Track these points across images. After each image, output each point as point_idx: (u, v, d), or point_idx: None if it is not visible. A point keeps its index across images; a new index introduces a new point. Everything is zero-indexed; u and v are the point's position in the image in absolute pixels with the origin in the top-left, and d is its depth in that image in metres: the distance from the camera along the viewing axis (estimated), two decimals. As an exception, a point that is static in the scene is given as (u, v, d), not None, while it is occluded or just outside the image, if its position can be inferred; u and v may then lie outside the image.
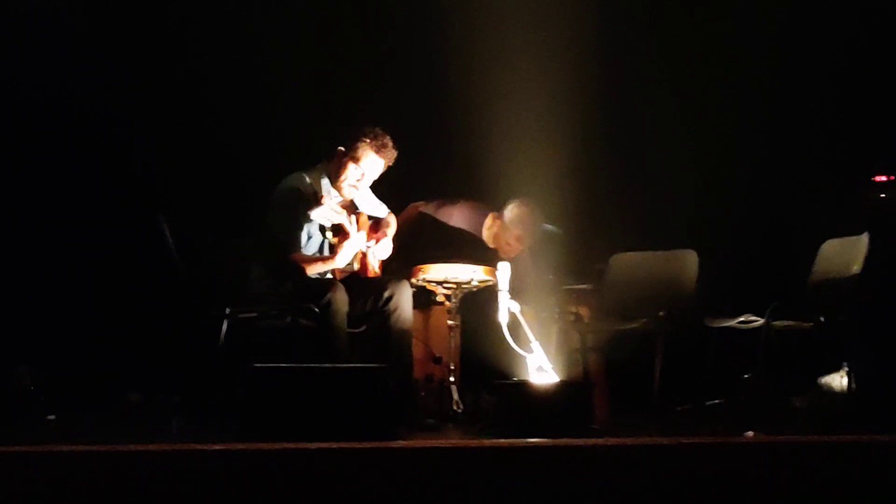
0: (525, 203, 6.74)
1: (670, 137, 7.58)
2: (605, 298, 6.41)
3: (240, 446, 4.42)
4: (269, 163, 6.86)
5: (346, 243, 6.13)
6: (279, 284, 6.13)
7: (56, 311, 7.41)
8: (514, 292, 5.89)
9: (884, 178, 6.84)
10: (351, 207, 6.34)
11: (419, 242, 6.63)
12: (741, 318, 6.28)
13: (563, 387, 5.53)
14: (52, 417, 6.42)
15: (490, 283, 6.10)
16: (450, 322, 6.25)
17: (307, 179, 6.21)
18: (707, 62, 7.65)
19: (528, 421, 5.18)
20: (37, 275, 7.47)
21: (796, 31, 7.53)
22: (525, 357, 5.64)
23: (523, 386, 5.47)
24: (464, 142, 7.27)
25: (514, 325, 5.78)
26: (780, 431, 5.14)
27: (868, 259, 6.13)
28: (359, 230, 6.24)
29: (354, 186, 6.26)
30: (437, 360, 6.38)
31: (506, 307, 5.79)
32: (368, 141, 6.16)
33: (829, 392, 6.25)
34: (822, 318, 6.18)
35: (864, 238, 6.17)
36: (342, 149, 6.21)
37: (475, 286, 6.22)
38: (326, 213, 6.06)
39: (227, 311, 6.14)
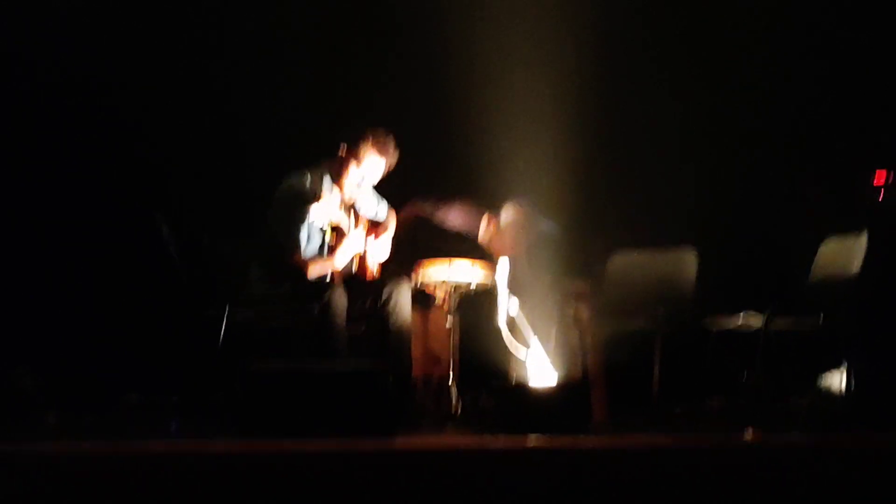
0: (520, 205, 6.73)
1: (669, 135, 7.58)
2: (604, 298, 6.40)
3: (239, 446, 4.43)
4: (270, 162, 6.85)
5: (344, 242, 6.13)
6: (278, 284, 6.13)
7: (55, 310, 7.41)
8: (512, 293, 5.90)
9: (883, 177, 6.83)
10: (351, 207, 6.33)
11: (418, 246, 6.62)
12: (740, 319, 6.28)
13: (561, 387, 5.53)
14: (51, 417, 6.42)
15: (489, 285, 6.10)
16: (448, 322, 6.24)
17: (308, 179, 6.20)
18: (706, 59, 7.64)
19: (526, 421, 5.18)
20: (36, 274, 7.47)
21: (795, 28, 7.52)
22: (523, 357, 5.64)
23: (522, 386, 5.47)
24: (463, 139, 7.27)
25: (512, 325, 5.78)
26: (779, 431, 5.14)
27: (867, 258, 6.13)
28: (356, 227, 6.24)
29: (356, 186, 6.25)
30: (436, 360, 6.39)
31: (504, 307, 5.79)
32: (370, 141, 6.16)
33: (829, 391, 6.25)
34: (821, 318, 6.17)
35: (864, 237, 6.16)
36: (344, 148, 6.20)
37: (473, 290, 6.22)
38: (327, 212, 6.05)
39: (227, 311, 6.14)
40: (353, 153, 6.18)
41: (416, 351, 6.34)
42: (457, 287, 6.22)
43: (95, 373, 7.20)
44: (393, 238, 6.52)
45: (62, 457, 4.30)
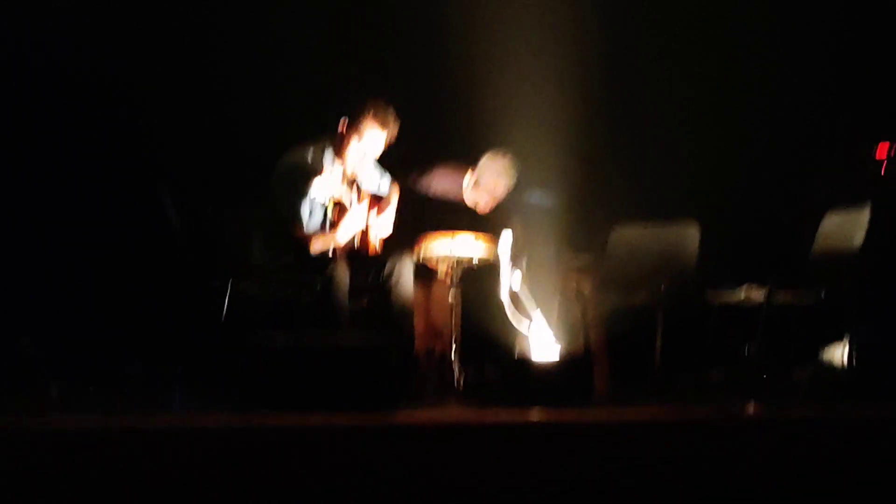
0: (497, 153, 6.74)
1: (671, 109, 7.57)
2: (606, 272, 6.40)
3: (241, 420, 4.44)
4: (273, 132, 6.85)
5: (346, 217, 6.13)
6: (281, 257, 6.13)
7: (58, 282, 7.41)
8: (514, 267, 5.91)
9: (886, 150, 6.83)
10: (353, 183, 6.33)
11: (421, 220, 6.61)
12: (742, 292, 6.28)
13: (563, 360, 5.53)
14: (54, 390, 6.43)
15: (491, 259, 6.10)
16: (451, 297, 6.25)
17: (310, 153, 6.20)
18: (708, 32, 7.63)
19: (529, 394, 5.19)
20: (37, 246, 7.47)
21: (796, 9, 7.51)
22: (526, 331, 5.65)
23: (524, 360, 5.48)
24: (465, 114, 7.26)
25: (515, 298, 5.78)
26: (781, 404, 5.15)
27: (870, 231, 6.13)
28: (359, 201, 6.23)
29: (357, 160, 6.24)
30: (438, 334, 6.39)
31: (507, 281, 5.80)
32: (371, 114, 6.15)
33: (831, 364, 6.26)
34: (823, 291, 6.18)
35: (867, 210, 6.16)
36: (345, 122, 6.20)
37: (475, 265, 6.22)
38: (328, 187, 6.05)
39: (230, 283, 6.14)
40: (355, 127, 6.17)
41: (419, 325, 6.34)
42: (459, 261, 6.22)
43: (98, 344, 7.21)
44: (395, 212, 6.52)
45: (65, 431, 4.31)
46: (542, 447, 4.40)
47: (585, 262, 6.65)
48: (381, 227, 6.40)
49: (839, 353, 6.27)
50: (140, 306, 7.43)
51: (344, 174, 6.24)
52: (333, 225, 6.16)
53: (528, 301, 5.73)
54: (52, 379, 6.59)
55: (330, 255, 6.11)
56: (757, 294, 6.22)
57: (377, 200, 6.47)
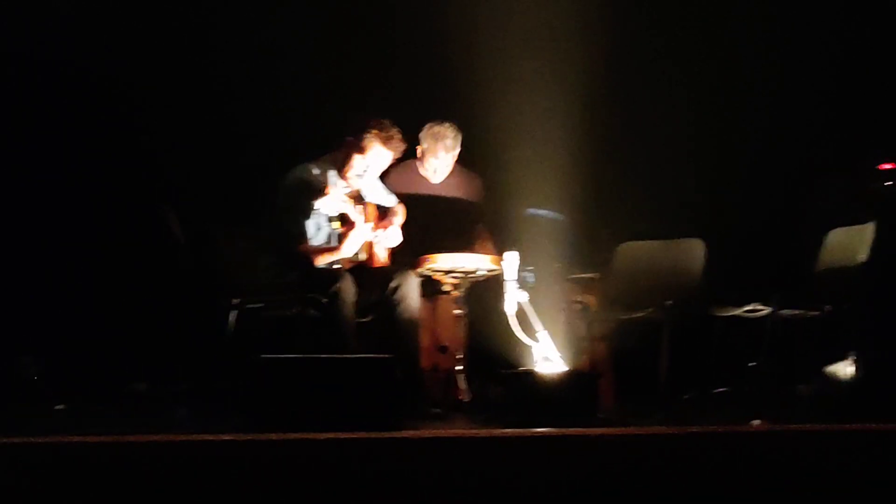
0: (436, 121, 6.75)
1: (676, 125, 7.57)
2: (612, 287, 6.41)
3: (247, 437, 4.44)
4: (277, 152, 6.87)
5: (352, 233, 6.14)
6: (287, 274, 6.14)
7: (63, 300, 7.42)
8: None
9: (889, 166, 6.83)
10: (358, 198, 6.35)
11: (427, 233, 6.62)
12: (747, 307, 6.29)
13: (569, 376, 5.54)
14: (59, 407, 6.44)
15: (496, 272, 6.11)
16: (456, 311, 6.25)
17: (314, 170, 6.23)
18: (713, 50, 7.64)
19: (534, 410, 5.20)
20: (43, 264, 7.48)
21: (801, 19, 7.52)
22: (531, 346, 5.66)
23: (530, 375, 5.49)
24: (469, 130, 7.26)
25: (520, 314, 5.79)
26: (786, 420, 5.15)
27: (874, 247, 6.14)
28: (366, 220, 6.25)
29: (360, 177, 6.26)
30: (444, 350, 6.40)
31: (512, 296, 5.80)
32: (375, 132, 6.17)
33: (836, 381, 6.26)
34: (828, 307, 6.19)
35: (871, 227, 6.17)
36: (349, 139, 6.22)
37: (482, 276, 6.23)
38: (333, 203, 6.07)
39: (235, 300, 6.15)
40: (358, 145, 6.19)
41: (425, 340, 6.35)
42: (465, 275, 6.23)
43: (103, 362, 7.21)
44: (401, 226, 6.53)
45: (69, 449, 4.31)
46: (547, 462, 4.40)
47: (591, 278, 6.65)
48: (388, 238, 6.42)
49: (844, 369, 6.26)
50: (146, 324, 7.43)
51: (348, 191, 6.25)
52: (339, 239, 6.18)
53: (533, 316, 5.74)
54: (56, 397, 6.60)
55: (336, 270, 6.12)
56: (762, 310, 6.23)
57: (383, 214, 6.48)
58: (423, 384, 6.24)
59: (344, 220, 6.18)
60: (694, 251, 6.19)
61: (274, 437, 4.45)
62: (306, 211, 6.12)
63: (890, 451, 4.42)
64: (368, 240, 6.28)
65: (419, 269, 6.22)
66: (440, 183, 6.82)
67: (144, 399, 7.12)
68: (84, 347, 7.24)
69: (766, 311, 6.22)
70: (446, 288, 6.30)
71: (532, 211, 6.87)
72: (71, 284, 7.45)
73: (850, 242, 6.20)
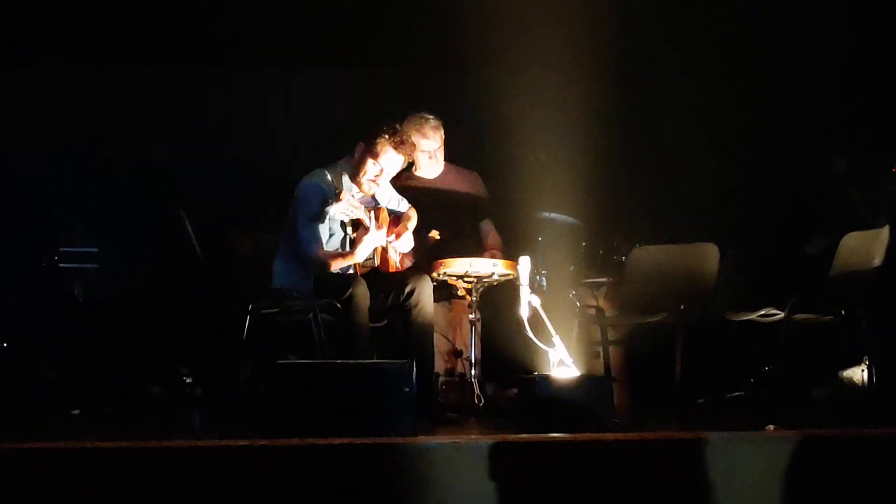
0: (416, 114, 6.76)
1: (690, 130, 7.58)
2: (626, 292, 6.41)
3: (262, 442, 4.45)
4: (291, 159, 6.89)
5: (365, 238, 6.14)
6: (301, 280, 6.15)
7: (79, 305, 7.44)
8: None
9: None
10: (372, 203, 6.36)
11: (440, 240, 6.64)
12: (762, 312, 6.28)
13: (583, 381, 5.53)
14: (75, 412, 6.46)
15: (511, 277, 6.11)
16: (471, 316, 6.25)
17: (328, 176, 6.24)
18: (727, 54, 7.65)
19: (549, 415, 5.19)
20: (60, 269, 7.50)
21: (814, 23, 7.51)
22: (546, 351, 5.65)
23: (544, 380, 5.48)
24: (484, 135, 7.28)
25: (534, 318, 5.79)
26: (800, 425, 5.14)
27: (889, 252, 6.13)
28: (379, 226, 6.25)
29: (374, 182, 6.27)
30: (458, 354, 6.41)
31: (527, 301, 5.80)
32: (387, 137, 6.18)
33: (850, 385, 6.25)
34: (842, 312, 6.18)
35: (885, 231, 6.16)
36: (361, 145, 6.23)
37: (496, 280, 6.23)
38: (346, 209, 6.07)
39: (250, 306, 6.17)
40: (371, 150, 6.20)
41: (439, 345, 6.35)
42: (479, 279, 6.23)
43: (119, 367, 7.23)
44: (414, 231, 6.53)
45: (83, 454, 4.33)
46: (562, 467, 4.40)
47: (605, 282, 6.65)
48: (402, 244, 6.42)
49: (858, 374, 6.26)
50: (161, 329, 7.45)
51: (362, 196, 6.26)
52: (353, 245, 6.18)
53: (547, 321, 5.74)
54: (73, 401, 6.62)
55: (350, 275, 6.12)
56: (776, 314, 6.23)
57: (396, 220, 6.49)
58: (437, 389, 6.24)
59: (357, 225, 6.19)
60: (708, 255, 6.19)
61: (288, 442, 4.46)
62: (321, 217, 6.13)
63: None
64: (381, 245, 6.28)
65: (433, 274, 6.22)
66: (436, 179, 6.85)
67: (159, 404, 7.14)
68: (100, 353, 7.26)
69: (781, 315, 6.20)
70: (460, 292, 6.30)
71: (546, 215, 6.87)
72: (86, 291, 7.48)
73: (865, 246, 6.19)
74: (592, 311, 6.58)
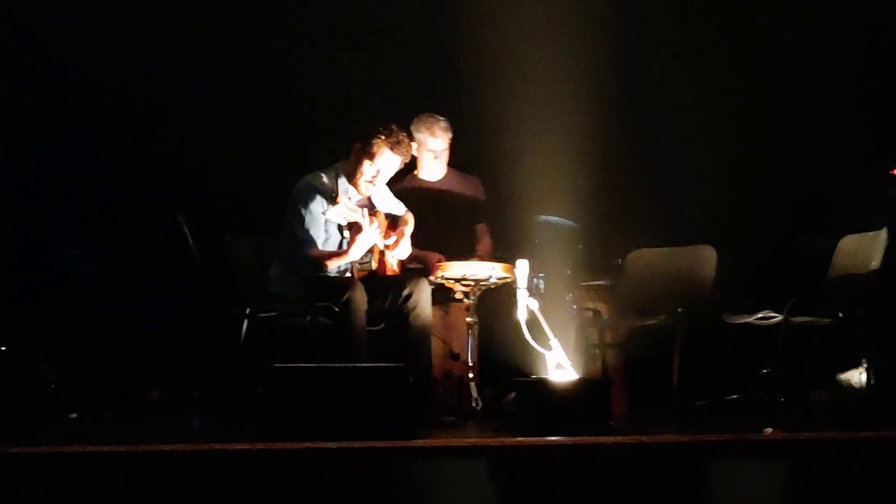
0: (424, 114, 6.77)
1: (689, 133, 7.57)
2: (624, 295, 6.41)
3: (259, 445, 4.45)
4: (288, 162, 6.88)
5: (359, 237, 6.13)
6: (298, 283, 6.15)
7: (79, 308, 7.44)
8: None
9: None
10: (369, 206, 6.35)
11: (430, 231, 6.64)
12: (760, 315, 6.28)
13: (581, 384, 5.53)
14: (73, 415, 6.45)
15: (508, 280, 6.10)
16: (468, 319, 6.25)
17: (324, 178, 6.24)
18: (727, 57, 7.64)
19: (547, 418, 5.19)
20: (58, 272, 7.50)
21: (814, 27, 7.51)
22: (544, 354, 5.65)
23: (542, 383, 5.48)
24: (481, 138, 7.28)
25: (532, 322, 5.78)
26: (799, 428, 5.14)
27: (887, 254, 6.12)
28: (374, 223, 6.25)
29: (370, 183, 6.27)
30: (456, 357, 6.40)
31: (524, 304, 5.80)
32: (383, 138, 6.17)
33: (849, 388, 6.24)
34: (840, 314, 6.17)
35: (883, 233, 6.16)
36: (358, 146, 6.23)
37: (493, 283, 6.23)
38: (343, 211, 6.07)
39: (248, 310, 6.16)
40: (367, 151, 6.20)
41: (437, 348, 6.35)
42: (476, 283, 6.23)
43: (117, 370, 7.23)
44: (412, 235, 6.53)
45: (81, 459, 4.33)
46: (559, 471, 4.40)
47: (603, 285, 6.65)
48: (399, 249, 6.42)
49: (857, 377, 6.25)
50: (159, 333, 7.45)
51: (358, 197, 6.26)
52: (349, 245, 6.17)
53: (545, 324, 5.73)
54: (71, 404, 6.62)
55: (347, 279, 6.12)
56: (774, 317, 6.22)
57: (393, 222, 6.48)
58: (435, 392, 6.24)
59: (354, 228, 6.18)
60: (706, 258, 6.19)
61: (286, 445, 4.46)
62: (317, 219, 6.13)
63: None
64: (376, 244, 6.27)
65: (431, 277, 6.22)
66: (438, 181, 6.85)
67: (157, 407, 7.13)
68: (98, 356, 7.26)
69: (779, 318, 6.20)
70: (458, 296, 6.29)
71: (544, 218, 6.87)
72: (87, 292, 7.48)
73: (863, 249, 6.18)
74: (590, 314, 6.58)
